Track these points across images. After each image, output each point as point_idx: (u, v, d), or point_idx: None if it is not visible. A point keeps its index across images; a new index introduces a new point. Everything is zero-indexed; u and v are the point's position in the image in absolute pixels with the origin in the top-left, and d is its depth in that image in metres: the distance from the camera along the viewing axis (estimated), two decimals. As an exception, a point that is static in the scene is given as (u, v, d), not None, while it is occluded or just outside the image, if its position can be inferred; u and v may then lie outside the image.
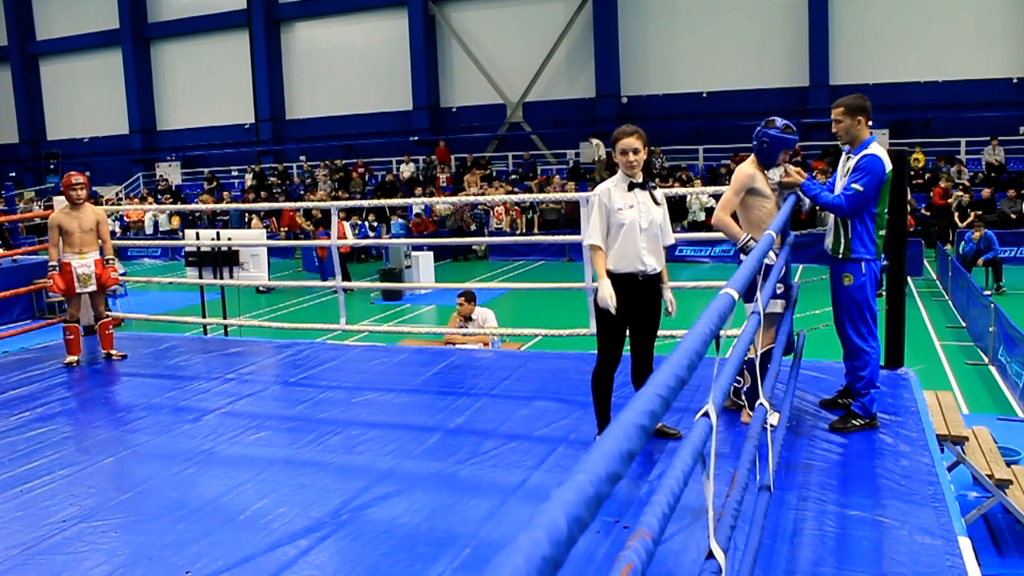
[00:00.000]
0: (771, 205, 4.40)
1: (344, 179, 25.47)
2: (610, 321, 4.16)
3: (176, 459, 4.40)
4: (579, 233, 6.09)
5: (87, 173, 30.69)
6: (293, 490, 3.90)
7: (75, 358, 6.62)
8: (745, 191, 4.38)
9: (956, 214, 17.83)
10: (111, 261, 6.75)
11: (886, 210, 4.43)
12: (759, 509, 2.68)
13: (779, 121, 4.42)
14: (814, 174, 15.98)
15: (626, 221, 4.10)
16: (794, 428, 4.34)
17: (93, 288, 6.60)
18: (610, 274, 4.14)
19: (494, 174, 24.53)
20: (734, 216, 4.42)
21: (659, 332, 4.39)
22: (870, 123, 4.39)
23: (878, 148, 4.32)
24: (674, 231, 4.42)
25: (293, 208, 19.67)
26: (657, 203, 4.24)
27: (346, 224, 17.77)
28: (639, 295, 4.17)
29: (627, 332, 4.26)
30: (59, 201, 6.90)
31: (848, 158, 4.41)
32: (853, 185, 4.24)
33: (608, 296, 4.05)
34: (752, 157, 4.48)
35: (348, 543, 3.36)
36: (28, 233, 21.25)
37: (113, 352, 6.77)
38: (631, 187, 4.17)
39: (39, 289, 11.53)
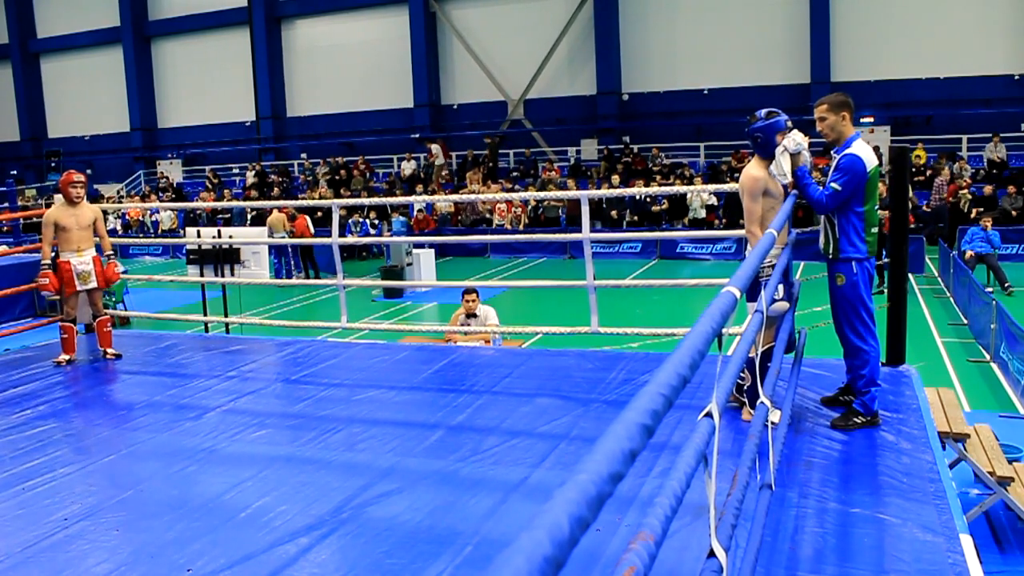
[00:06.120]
0: (778, 205, 4.38)
1: (341, 177, 25.32)
2: None
3: (177, 457, 4.40)
4: (580, 231, 6.09)
5: (88, 172, 30.59)
6: (294, 488, 3.90)
7: (67, 357, 6.58)
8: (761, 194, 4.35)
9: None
10: (111, 257, 6.75)
11: (876, 207, 4.41)
12: (760, 507, 2.68)
13: (760, 112, 4.40)
14: (812, 173, 15.87)
15: None
16: (795, 426, 4.33)
17: (93, 284, 6.59)
18: None
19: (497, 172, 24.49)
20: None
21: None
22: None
23: (861, 145, 4.30)
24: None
25: (289, 206, 19.62)
26: None
27: (307, 218, 18.08)
28: None
29: None
30: (60, 199, 6.88)
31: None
32: (832, 184, 4.25)
33: None
34: (755, 158, 4.45)
35: (349, 541, 3.37)
36: (27, 231, 21.27)
37: (109, 351, 6.73)
38: None
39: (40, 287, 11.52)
